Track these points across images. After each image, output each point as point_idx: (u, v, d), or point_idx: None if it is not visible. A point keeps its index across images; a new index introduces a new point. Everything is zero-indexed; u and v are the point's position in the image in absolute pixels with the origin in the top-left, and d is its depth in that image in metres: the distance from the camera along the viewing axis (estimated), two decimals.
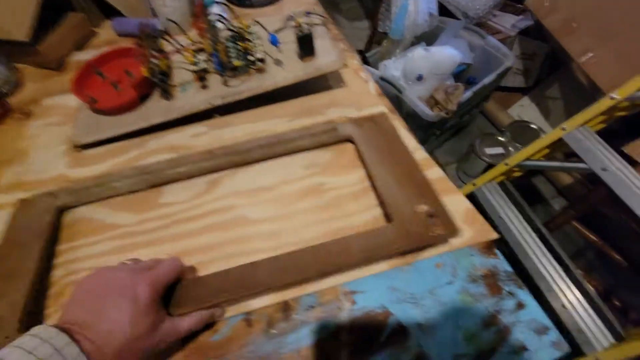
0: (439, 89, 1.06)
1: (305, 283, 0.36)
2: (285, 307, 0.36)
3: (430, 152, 1.39)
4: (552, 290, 0.83)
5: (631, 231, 0.94)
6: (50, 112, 0.54)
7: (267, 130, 0.47)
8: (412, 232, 0.36)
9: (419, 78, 1.05)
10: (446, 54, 1.06)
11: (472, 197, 1.01)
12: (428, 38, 1.25)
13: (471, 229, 0.38)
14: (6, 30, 0.55)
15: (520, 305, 0.34)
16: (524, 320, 0.34)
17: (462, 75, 1.27)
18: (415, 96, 1.05)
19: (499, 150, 1.19)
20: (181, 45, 0.50)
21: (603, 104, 0.76)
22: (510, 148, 1.18)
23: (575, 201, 0.95)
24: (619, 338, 0.75)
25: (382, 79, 1.08)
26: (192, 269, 0.37)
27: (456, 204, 0.40)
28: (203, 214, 0.41)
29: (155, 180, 0.43)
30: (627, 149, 0.83)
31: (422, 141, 1.17)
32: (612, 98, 0.74)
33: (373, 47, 1.49)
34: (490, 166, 1.14)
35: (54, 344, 0.23)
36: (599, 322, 0.79)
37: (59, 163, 0.47)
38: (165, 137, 0.48)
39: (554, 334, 0.33)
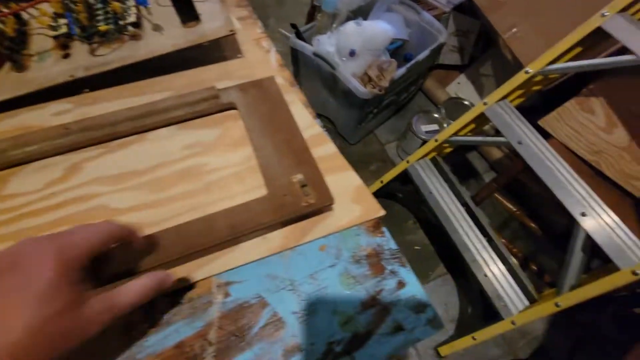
0: (372, 66, 1.04)
1: (165, 268, 0.31)
2: (150, 307, 0.31)
3: (371, 131, 1.39)
4: (476, 260, 0.86)
5: (545, 201, 1.00)
6: None
7: (137, 105, 0.41)
8: (284, 202, 0.33)
9: (352, 53, 1.02)
10: (379, 29, 1.03)
11: (405, 174, 1.02)
12: (365, 13, 1.22)
13: (361, 207, 0.36)
14: None
15: (400, 284, 0.33)
16: (403, 299, 0.32)
17: (398, 51, 1.26)
18: (349, 73, 1.02)
19: (434, 127, 1.21)
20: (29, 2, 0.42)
21: (519, 78, 0.77)
22: (444, 125, 1.20)
23: (499, 174, 0.99)
24: (532, 301, 0.80)
25: (315, 54, 1.04)
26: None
27: (347, 181, 0.37)
28: (57, 205, 0.35)
29: None
30: (542, 122, 0.87)
31: (359, 120, 1.15)
32: (526, 72, 0.76)
33: (315, 20, 1.43)
34: (424, 142, 1.15)
35: None
36: (516, 287, 0.83)
37: None
38: (19, 116, 0.41)
39: (430, 311, 0.32)
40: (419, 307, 0.32)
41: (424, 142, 1.20)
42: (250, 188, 0.37)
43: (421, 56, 1.09)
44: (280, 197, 0.33)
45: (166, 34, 0.43)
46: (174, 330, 0.30)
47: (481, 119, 0.88)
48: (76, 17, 0.40)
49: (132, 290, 0.25)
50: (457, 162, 1.08)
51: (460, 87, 1.38)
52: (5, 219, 0.34)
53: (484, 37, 1.36)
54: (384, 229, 0.36)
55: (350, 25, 1.01)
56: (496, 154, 1.26)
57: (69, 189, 0.36)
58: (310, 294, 0.32)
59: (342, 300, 0.32)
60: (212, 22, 0.44)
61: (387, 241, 0.35)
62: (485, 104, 0.83)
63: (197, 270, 0.32)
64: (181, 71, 0.46)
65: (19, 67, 0.41)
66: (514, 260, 0.86)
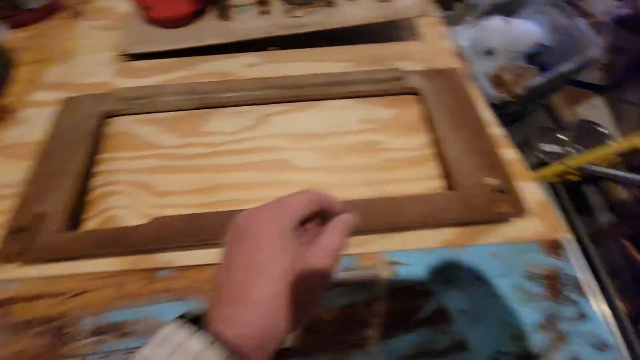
0: (507, 68, 0.95)
1: (374, 234, 0.33)
2: None
3: None
4: None
5: None
6: (100, 14, 0.51)
7: (325, 73, 0.42)
8: (474, 204, 0.32)
9: (489, 52, 0.94)
10: (526, 30, 0.94)
11: None
12: (506, 10, 1.11)
13: (541, 223, 0.34)
14: None
15: (581, 316, 0.30)
16: (583, 332, 0.30)
17: (534, 58, 1.14)
18: (480, 71, 0.95)
19: (556, 148, 1.08)
20: None
21: None
22: (569, 149, 1.08)
23: (629, 217, 0.87)
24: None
25: None
26: None
27: (529, 192, 0.35)
28: (246, 150, 0.38)
29: (204, 102, 0.40)
30: None
31: None
32: None
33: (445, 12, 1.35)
34: (542, 163, 1.05)
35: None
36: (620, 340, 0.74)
37: (105, 70, 0.45)
38: (216, 61, 0.44)
39: (615, 354, 0.29)
40: (601, 345, 0.29)
41: (542, 162, 1.09)
42: (424, 176, 0.36)
43: (565, 68, 0.97)
44: (470, 197, 0.32)
45: (359, 5, 0.43)
46: (343, 292, 0.32)
47: (630, 154, 0.77)
48: None
49: (335, 237, 0.24)
50: (570, 193, 0.97)
51: (595, 110, 1.21)
52: (204, 152, 0.38)
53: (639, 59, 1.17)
54: (565, 252, 0.33)
55: (496, 20, 0.94)
56: (621, 193, 1.10)
57: (258, 137, 0.39)
58: (480, 298, 0.31)
59: (514, 314, 0.30)
60: (405, 1, 0.43)
61: (567, 266, 0.32)
62: None
63: (367, 242, 0.33)
64: (357, 44, 0.46)
65: (223, 16, 0.45)
66: (623, 311, 0.76)
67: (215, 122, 0.40)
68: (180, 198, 0.36)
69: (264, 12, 0.44)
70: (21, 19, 0.49)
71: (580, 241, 0.84)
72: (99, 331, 0.31)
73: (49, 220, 0.32)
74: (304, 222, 0.24)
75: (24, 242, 0.31)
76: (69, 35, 0.49)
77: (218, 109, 0.41)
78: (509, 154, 0.37)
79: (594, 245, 0.84)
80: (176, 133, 0.39)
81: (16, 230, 0.31)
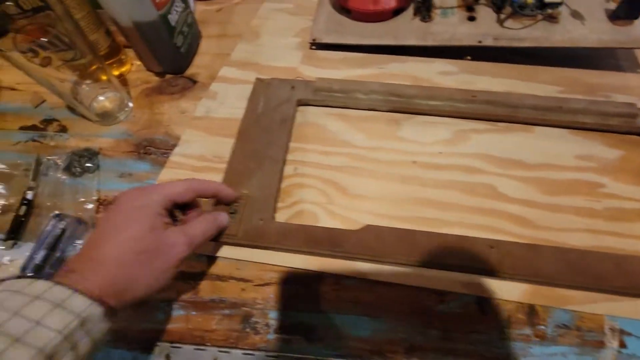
0: None
1: (601, 293, 0.29)
2: (531, 312, 0.29)
3: None
4: None
5: None
6: None
7: (539, 95, 0.38)
8: None
9: None
10: None
11: None
12: None
13: None
14: None
15: None
16: None
17: None
18: None
19: None
20: None
21: None
22: None
23: None
24: None
25: None
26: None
27: None
28: (443, 166, 0.35)
29: (402, 106, 0.37)
30: None
31: None
32: None
33: None
34: None
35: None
36: None
37: (292, 55, 0.44)
38: (407, 63, 0.42)
39: None
40: None
41: None
42: None
43: None
44: None
45: (588, 26, 0.38)
46: (561, 352, 0.28)
47: None
48: None
49: (199, 226, 0.27)
50: None
51: None
52: (399, 159, 0.36)
53: None
54: None
55: None
56: None
57: (456, 154, 0.36)
58: None
59: None
60: None
61: None
62: None
63: (589, 301, 0.29)
64: (561, 67, 0.41)
65: (425, 17, 0.42)
66: None
67: (409, 129, 0.37)
68: (375, 205, 0.33)
69: (470, 18, 0.41)
70: None
71: None
72: (286, 329, 0.30)
73: (256, 204, 0.32)
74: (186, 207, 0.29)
75: (236, 224, 0.31)
76: (254, 14, 0.48)
77: (412, 115, 0.38)
78: None
79: None
80: (367, 134, 0.37)
81: (232, 211, 0.31)
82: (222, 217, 0.30)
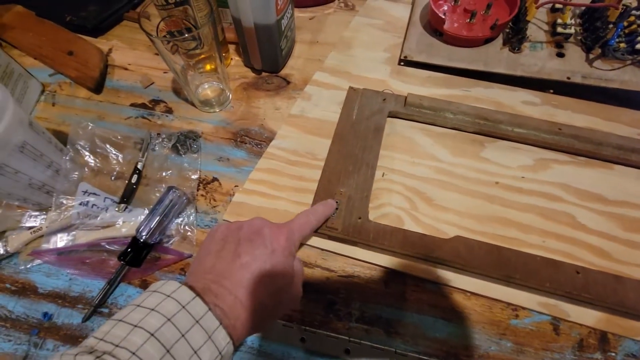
0: None
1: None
2: (603, 338, 0.31)
3: None
4: None
5: None
6: (373, 13, 0.53)
7: (624, 136, 0.39)
8: None
9: None
10: None
11: None
12: None
13: None
14: None
15: None
16: None
17: None
18: None
19: None
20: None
21: None
22: None
23: None
24: None
25: None
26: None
27: None
28: (525, 191, 0.37)
29: (487, 129, 0.40)
30: None
31: None
32: None
33: None
34: None
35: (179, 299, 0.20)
36: None
37: (381, 68, 0.47)
38: (492, 89, 0.44)
39: None
40: None
41: None
42: None
43: None
44: None
45: None
46: None
47: None
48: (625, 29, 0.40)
49: (305, 224, 0.31)
50: None
51: None
52: (483, 179, 0.38)
53: None
54: None
55: None
56: None
57: (537, 181, 0.38)
58: None
59: None
60: None
61: None
62: None
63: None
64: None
65: (515, 48, 0.44)
66: None
67: (493, 152, 0.40)
68: (457, 218, 0.36)
69: (559, 55, 0.43)
70: (304, 0, 0.54)
71: None
72: (367, 320, 0.32)
73: (354, 203, 0.35)
74: None
75: (337, 218, 0.34)
76: (344, 25, 0.52)
77: (496, 139, 0.40)
78: None
79: None
80: (451, 150, 0.40)
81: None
82: (330, 205, 0.34)
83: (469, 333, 0.32)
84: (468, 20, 0.45)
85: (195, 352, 0.18)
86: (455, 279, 0.33)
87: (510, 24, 0.45)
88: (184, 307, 0.19)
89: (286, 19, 0.43)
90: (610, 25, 0.41)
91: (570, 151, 0.39)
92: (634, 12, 0.40)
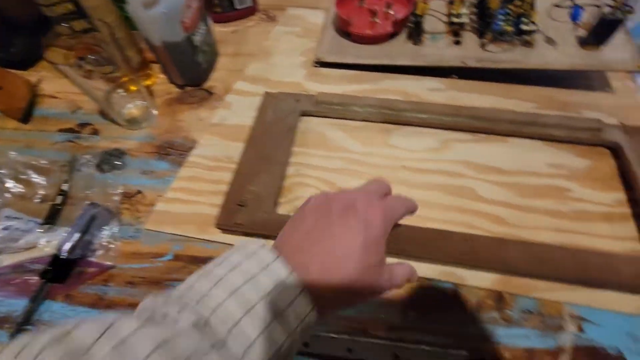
0: None
1: (559, 282, 0.33)
2: (499, 298, 0.33)
3: None
4: None
5: None
6: (293, 21, 0.56)
7: (516, 111, 0.42)
8: None
9: None
10: None
11: None
12: None
13: None
14: None
15: None
16: None
17: None
18: None
19: None
20: None
21: None
22: None
23: None
24: None
25: None
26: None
27: None
28: (431, 171, 0.40)
29: (393, 118, 0.42)
30: None
31: None
32: None
33: None
34: None
35: (261, 261, 0.20)
36: None
37: (297, 72, 0.49)
38: (400, 81, 0.47)
39: None
40: None
41: None
42: (619, 236, 0.35)
43: None
44: None
45: (560, 50, 0.43)
46: (524, 334, 0.31)
47: None
48: (507, 14, 0.43)
49: (401, 272, 0.25)
50: None
51: None
52: (388, 163, 0.40)
53: None
54: None
55: None
56: None
57: (441, 160, 0.40)
58: None
59: None
60: (615, 52, 0.42)
61: None
62: None
63: (550, 290, 0.33)
64: (539, 86, 0.46)
65: (416, 41, 0.47)
66: None
67: (400, 139, 0.42)
68: None
69: (456, 42, 0.46)
70: (226, 15, 0.57)
71: None
72: None
73: (261, 200, 0.37)
74: None
75: (244, 215, 0.35)
76: (266, 36, 0.55)
77: (403, 126, 0.43)
78: None
79: None
80: (362, 141, 0.42)
81: (241, 204, 0.36)
82: (413, 271, 0.26)
83: (377, 308, 0.34)
84: (371, 19, 0.48)
85: (283, 325, 0.18)
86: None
87: (411, 19, 0.48)
88: (266, 267, 0.19)
89: (199, 35, 0.46)
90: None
91: (469, 130, 0.42)
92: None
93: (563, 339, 0.31)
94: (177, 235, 0.38)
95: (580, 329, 0.31)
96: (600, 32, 0.41)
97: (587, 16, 0.44)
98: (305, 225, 0.23)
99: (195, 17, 0.44)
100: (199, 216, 0.38)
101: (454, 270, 0.34)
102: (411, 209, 0.28)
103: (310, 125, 0.44)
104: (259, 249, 0.21)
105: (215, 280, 0.19)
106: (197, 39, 0.45)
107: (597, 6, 0.42)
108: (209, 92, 0.49)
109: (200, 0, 0.45)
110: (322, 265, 0.21)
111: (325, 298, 0.21)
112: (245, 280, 0.19)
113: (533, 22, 0.43)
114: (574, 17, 0.43)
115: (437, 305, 0.33)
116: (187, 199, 0.40)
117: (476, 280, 0.33)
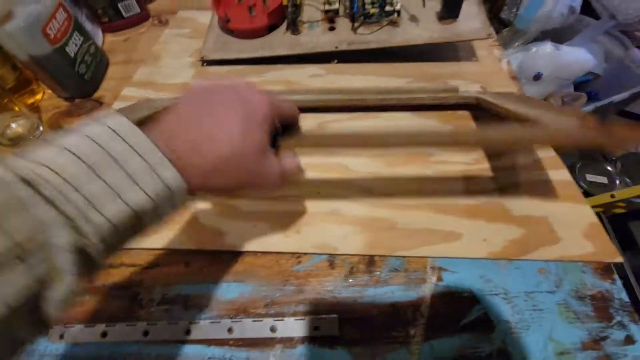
0: (555, 96, 0.95)
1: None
2: (370, 262, 0.35)
3: None
4: None
5: None
6: (184, 24, 0.57)
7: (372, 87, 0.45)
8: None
9: (537, 77, 0.94)
10: (578, 57, 0.93)
11: None
12: (555, 35, 1.11)
13: (592, 245, 0.34)
14: None
15: (629, 339, 0.31)
16: (629, 355, 0.30)
17: (583, 86, 1.12)
18: None
19: (602, 179, 1.05)
20: None
21: None
22: (617, 180, 1.04)
23: None
24: None
25: None
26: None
27: (580, 214, 0.36)
28: (306, 152, 0.41)
29: None
30: None
31: None
32: None
33: None
34: (587, 194, 1.01)
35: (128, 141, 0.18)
36: None
37: (185, 72, 0.50)
38: (283, 71, 0.49)
39: None
40: None
41: (585, 192, 1.05)
42: (477, 189, 0.38)
43: (618, 98, 0.95)
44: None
45: (422, 27, 0.46)
46: (390, 291, 0.34)
47: None
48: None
49: (294, 162, 0.26)
50: (616, 225, 0.93)
51: None
52: None
53: None
54: (616, 277, 0.33)
55: (547, 46, 0.93)
56: None
57: None
58: (525, 310, 0.32)
59: (560, 330, 0.31)
60: (469, 23, 0.45)
61: (618, 290, 0.33)
62: None
63: (415, 247, 0.35)
64: (415, 62, 0.49)
65: (294, 30, 0.49)
66: None
67: None
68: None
69: (331, 29, 0.48)
70: (115, 24, 0.57)
71: (624, 278, 0.80)
72: (167, 301, 0.35)
73: None
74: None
75: None
76: (156, 41, 0.55)
77: None
78: (560, 174, 0.38)
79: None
80: None
81: None
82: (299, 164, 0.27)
83: (257, 287, 0.35)
84: (249, 14, 0.49)
85: (132, 177, 0.17)
86: (246, 243, 0.36)
87: (289, 9, 0.50)
88: (121, 137, 0.18)
89: (74, 45, 0.45)
90: None
91: (343, 109, 0.44)
92: None
93: (423, 289, 0.34)
94: None
95: (440, 279, 0.34)
96: (450, 6, 0.44)
97: None
98: (182, 110, 0.22)
99: (64, 29, 0.44)
100: None
101: (327, 241, 0.36)
102: (294, 111, 0.28)
103: None
104: (113, 119, 0.19)
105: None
106: (72, 49, 0.45)
107: None
108: (99, 102, 0.49)
109: (68, 11, 0.44)
110: (192, 143, 0.20)
111: (197, 173, 0.20)
112: (92, 143, 0.17)
113: (394, 3, 0.46)
114: None
115: (314, 276, 0.35)
116: None
117: (349, 249, 0.35)
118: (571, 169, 1.09)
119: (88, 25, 0.53)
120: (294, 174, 0.26)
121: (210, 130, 0.21)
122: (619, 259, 0.33)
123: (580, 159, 1.11)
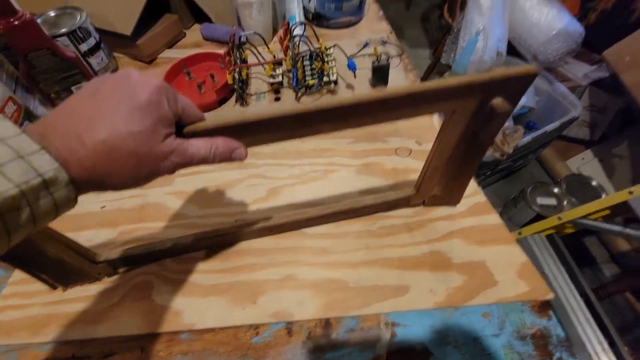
0: None
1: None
2: (327, 325, 0.36)
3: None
4: None
5: None
6: None
7: (329, 148, 0.49)
8: None
9: None
10: None
11: None
12: None
13: (526, 284, 0.37)
14: (114, 25, 0.62)
15: None
16: None
17: (521, 118, 1.23)
18: None
19: (552, 201, 1.13)
20: (263, 58, 0.54)
21: None
22: (564, 202, 1.12)
23: (632, 271, 0.88)
24: None
25: None
26: None
27: (512, 255, 0.39)
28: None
29: None
30: None
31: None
32: None
33: (432, 77, 1.49)
34: (539, 217, 1.08)
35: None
36: None
37: None
38: None
39: None
40: None
41: (538, 215, 1.13)
42: (417, 241, 0.41)
43: (550, 127, 1.06)
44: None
45: (355, 94, 0.51)
46: (347, 353, 0.35)
47: (620, 206, 0.81)
48: (297, 73, 0.50)
49: (203, 146, 0.25)
50: (571, 244, 0.99)
51: (585, 163, 1.28)
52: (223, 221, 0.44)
53: (622, 116, 1.26)
54: (552, 312, 0.36)
55: None
56: (623, 245, 1.12)
57: (269, 209, 0.44)
58: (476, 357, 0.34)
59: None
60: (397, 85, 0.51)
61: (554, 326, 0.35)
62: (630, 193, 0.77)
63: (368, 305, 0.37)
64: None
65: (243, 103, 0.53)
66: None
67: (233, 191, 0.46)
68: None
69: (277, 99, 0.53)
70: None
71: (584, 295, 0.84)
72: None
73: None
74: None
75: None
76: None
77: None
78: (491, 219, 0.42)
79: (599, 299, 0.85)
80: (200, 205, 0.45)
81: None
82: (241, 152, 0.27)
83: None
84: (199, 91, 0.53)
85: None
86: (203, 320, 0.36)
87: (237, 83, 0.54)
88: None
89: None
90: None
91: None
92: (305, 62, 0.51)
93: (379, 347, 0.35)
94: (11, 344, 0.36)
95: (393, 334, 0.36)
96: (378, 76, 0.50)
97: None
98: (67, 102, 0.22)
99: (14, 120, 0.45)
100: (33, 318, 0.37)
101: (284, 308, 0.37)
102: (199, 113, 0.27)
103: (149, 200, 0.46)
104: None
105: None
106: None
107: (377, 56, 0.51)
108: None
109: (17, 103, 0.46)
110: (72, 130, 0.20)
111: (78, 160, 0.20)
112: None
113: (330, 75, 0.51)
114: (351, 67, 0.52)
115: (273, 346, 0.35)
116: (20, 304, 0.38)
117: (305, 314, 0.36)
118: (523, 193, 1.17)
119: (41, 110, 0.54)
120: (207, 156, 0.25)
121: (90, 116, 0.21)
122: (551, 295, 0.36)
123: (531, 182, 1.19)
